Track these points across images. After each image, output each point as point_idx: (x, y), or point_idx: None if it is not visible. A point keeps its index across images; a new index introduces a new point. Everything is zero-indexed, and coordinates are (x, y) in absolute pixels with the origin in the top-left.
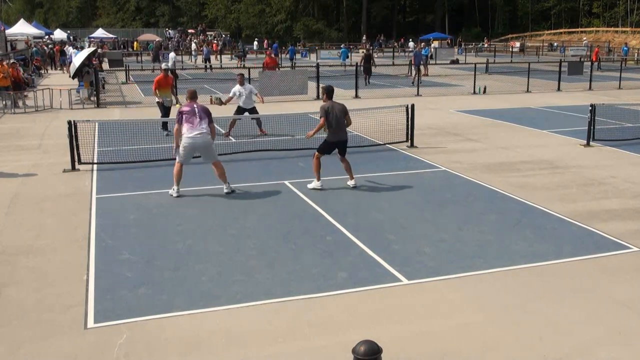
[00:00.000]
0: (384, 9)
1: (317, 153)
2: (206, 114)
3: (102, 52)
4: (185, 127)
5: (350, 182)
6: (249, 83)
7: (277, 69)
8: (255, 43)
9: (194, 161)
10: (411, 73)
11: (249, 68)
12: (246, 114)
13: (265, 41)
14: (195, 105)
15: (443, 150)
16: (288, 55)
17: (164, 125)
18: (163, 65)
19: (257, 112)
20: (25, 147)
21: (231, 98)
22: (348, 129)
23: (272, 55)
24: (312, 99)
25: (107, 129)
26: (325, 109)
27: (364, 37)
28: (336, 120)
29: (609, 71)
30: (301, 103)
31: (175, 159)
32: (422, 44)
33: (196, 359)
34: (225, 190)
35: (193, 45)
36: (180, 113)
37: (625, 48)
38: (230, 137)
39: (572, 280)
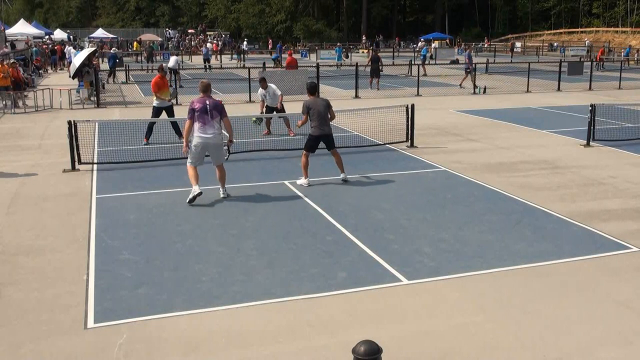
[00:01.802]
0: (384, 9)
1: (304, 151)
2: (218, 110)
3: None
4: (196, 125)
5: (341, 175)
6: (277, 84)
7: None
8: (245, 43)
9: None
10: (470, 81)
11: (249, 68)
12: (274, 112)
13: (270, 41)
14: (207, 101)
15: (443, 150)
16: (273, 56)
17: (148, 132)
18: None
19: (284, 111)
20: (26, 147)
21: (263, 102)
22: (347, 128)
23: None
24: None
25: (107, 129)
26: (307, 105)
27: (364, 37)
28: (318, 115)
29: (609, 71)
30: (301, 103)
31: (186, 157)
32: (472, 44)
33: (196, 359)
34: (222, 195)
35: (209, 45)
36: (192, 110)
37: (627, 49)
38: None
39: (572, 280)
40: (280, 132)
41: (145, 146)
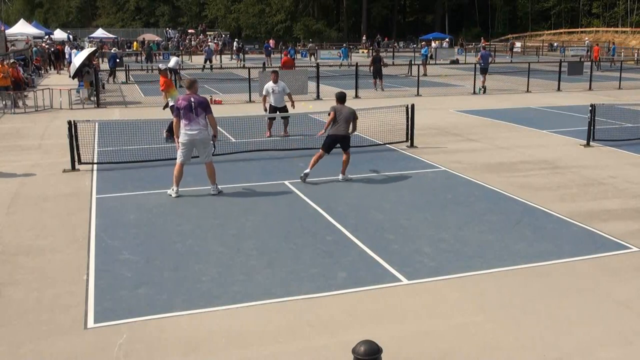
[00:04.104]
0: (384, 9)
1: (321, 149)
2: (203, 107)
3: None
4: (182, 123)
5: (340, 176)
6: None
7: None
8: (235, 44)
9: (193, 161)
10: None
11: (249, 68)
12: (278, 112)
13: (272, 41)
14: (192, 99)
15: (443, 150)
16: (264, 54)
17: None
18: (161, 66)
19: (287, 111)
20: (26, 147)
21: (265, 97)
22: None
23: (289, 56)
24: (312, 99)
25: (107, 129)
26: (334, 108)
27: (364, 37)
28: (339, 118)
29: (609, 71)
30: (301, 103)
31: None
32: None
33: (196, 359)
34: (212, 192)
35: (212, 45)
36: (177, 108)
37: (614, 47)
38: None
39: (572, 280)
40: (281, 132)
41: (169, 143)
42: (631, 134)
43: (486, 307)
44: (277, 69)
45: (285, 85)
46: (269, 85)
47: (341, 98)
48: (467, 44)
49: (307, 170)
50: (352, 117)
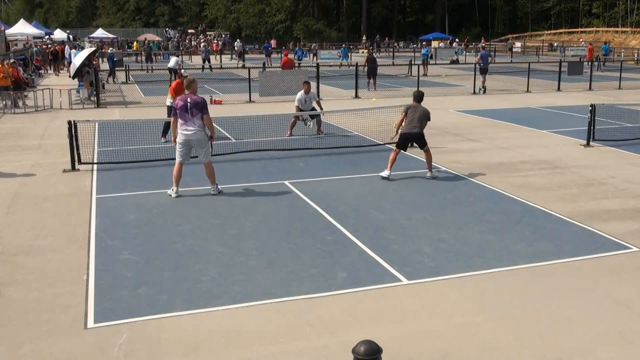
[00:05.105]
0: (384, 9)
1: (395, 148)
2: (199, 108)
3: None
4: (179, 123)
5: (428, 174)
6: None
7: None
8: (237, 45)
9: (193, 161)
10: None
11: (249, 68)
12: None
13: (274, 41)
14: (188, 99)
15: (443, 150)
16: (264, 54)
17: (165, 132)
18: (183, 72)
19: (316, 110)
20: (26, 147)
21: (298, 107)
22: (347, 128)
23: (289, 56)
24: None
25: (107, 129)
26: (407, 106)
27: (364, 37)
28: (412, 118)
29: (609, 71)
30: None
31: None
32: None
33: (196, 359)
34: (212, 192)
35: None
36: (174, 108)
37: (605, 47)
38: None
39: (572, 280)
40: (281, 132)
41: (165, 144)
42: (631, 134)
43: (486, 307)
44: (308, 80)
45: (315, 94)
46: (301, 95)
47: (418, 97)
48: (467, 44)
49: (387, 172)
50: (426, 117)
